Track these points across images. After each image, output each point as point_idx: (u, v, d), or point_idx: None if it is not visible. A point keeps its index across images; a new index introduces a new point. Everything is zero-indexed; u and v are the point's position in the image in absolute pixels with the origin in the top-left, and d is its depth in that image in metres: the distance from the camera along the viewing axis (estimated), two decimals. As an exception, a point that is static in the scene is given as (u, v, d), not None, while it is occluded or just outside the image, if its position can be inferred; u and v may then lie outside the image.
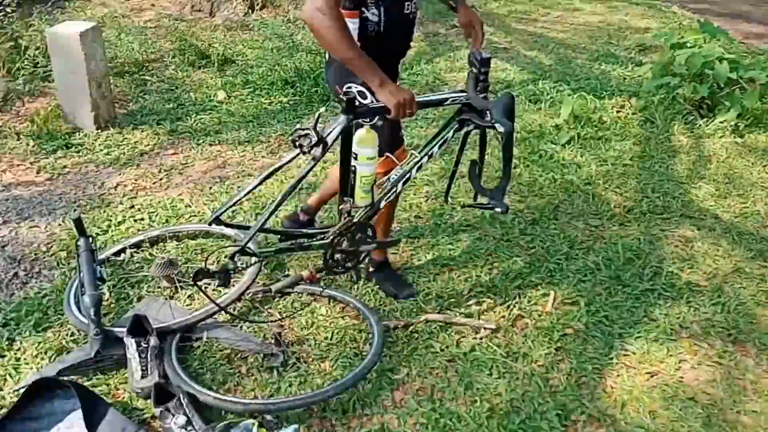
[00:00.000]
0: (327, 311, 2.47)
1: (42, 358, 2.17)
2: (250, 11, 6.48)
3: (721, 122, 4.18)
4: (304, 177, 2.11)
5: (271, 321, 2.38)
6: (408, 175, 2.22)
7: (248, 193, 2.31)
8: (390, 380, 2.17)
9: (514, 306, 2.54)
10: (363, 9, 2.03)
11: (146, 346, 2.05)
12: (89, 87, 3.74)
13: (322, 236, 2.21)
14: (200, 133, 3.95)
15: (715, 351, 2.34)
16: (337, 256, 2.24)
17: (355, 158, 2.04)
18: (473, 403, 2.09)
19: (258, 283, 2.55)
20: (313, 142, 1.92)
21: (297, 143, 1.95)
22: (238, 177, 3.47)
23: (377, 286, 2.61)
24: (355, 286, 2.61)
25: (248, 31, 6.06)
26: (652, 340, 2.39)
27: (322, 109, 2.08)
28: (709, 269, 2.81)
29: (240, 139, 3.89)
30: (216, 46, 5.30)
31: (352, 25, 2.01)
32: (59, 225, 2.92)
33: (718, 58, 4.29)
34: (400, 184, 2.22)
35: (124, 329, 2.12)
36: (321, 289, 2.49)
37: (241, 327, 2.38)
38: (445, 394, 2.13)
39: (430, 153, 2.22)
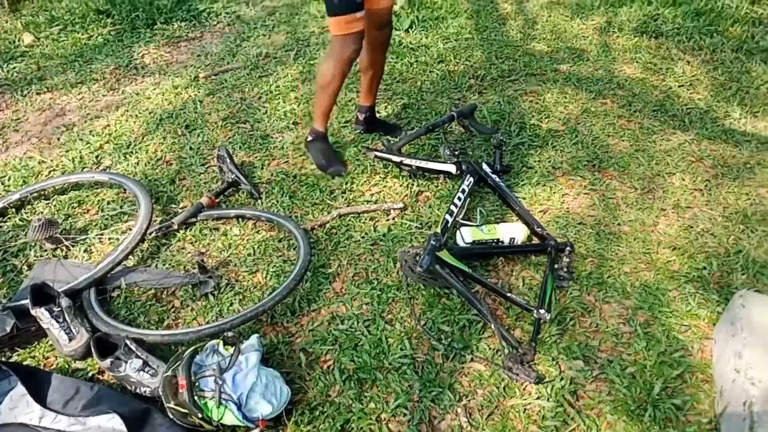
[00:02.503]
0: (240, 230, 2.43)
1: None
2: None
3: (536, -16, 4.53)
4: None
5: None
6: None
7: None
8: (325, 275, 2.24)
9: (413, 184, 2.68)
10: None
11: (59, 309, 1.89)
12: None
13: None
14: (21, 83, 3.47)
15: (587, 181, 2.70)
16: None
17: None
18: (406, 274, 2.24)
19: (156, 221, 2.43)
20: None
21: None
22: (85, 121, 3.14)
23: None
24: (258, 203, 2.58)
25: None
26: (535, 183, 2.68)
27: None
28: (562, 115, 3.16)
29: (71, 81, 3.49)
30: (-3, -17, 4.54)
31: None
32: None
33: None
34: None
35: (27, 301, 1.94)
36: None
37: (156, 266, 2.27)
38: (379, 273, 2.25)
39: None
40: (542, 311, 1.93)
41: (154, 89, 3.42)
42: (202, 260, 2.16)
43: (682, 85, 3.44)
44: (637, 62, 3.68)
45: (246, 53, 3.79)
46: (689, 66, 3.62)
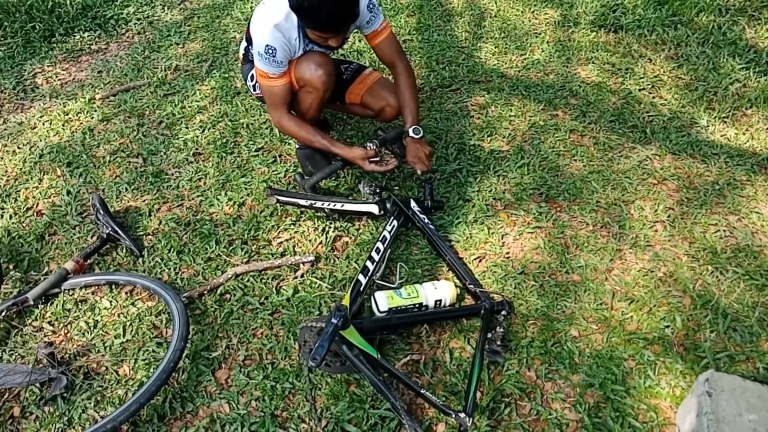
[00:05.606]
0: (111, 302, 2.01)
1: None
2: None
3: (485, -25, 4.09)
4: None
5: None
6: None
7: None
8: (208, 361, 1.84)
9: (330, 228, 2.27)
10: None
11: None
12: None
13: None
14: None
15: (531, 216, 2.31)
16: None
17: None
18: (309, 353, 1.84)
19: (7, 296, 2.00)
20: None
21: None
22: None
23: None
24: (140, 261, 2.16)
25: None
26: (471, 222, 2.29)
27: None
28: (507, 132, 2.76)
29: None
30: None
31: None
32: None
33: None
34: None
35: None
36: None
37: None
38: (276, 354, 1.85)
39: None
40: (462, 415, 1.54)
41: (42, 117, 2.96)
42: (52, 353, 1.74)
43: (643, 89, 3.05)
44: (593, 63, 3.28)
45: (153, 67, 3.33)
46: (651, 64, 3.23)
